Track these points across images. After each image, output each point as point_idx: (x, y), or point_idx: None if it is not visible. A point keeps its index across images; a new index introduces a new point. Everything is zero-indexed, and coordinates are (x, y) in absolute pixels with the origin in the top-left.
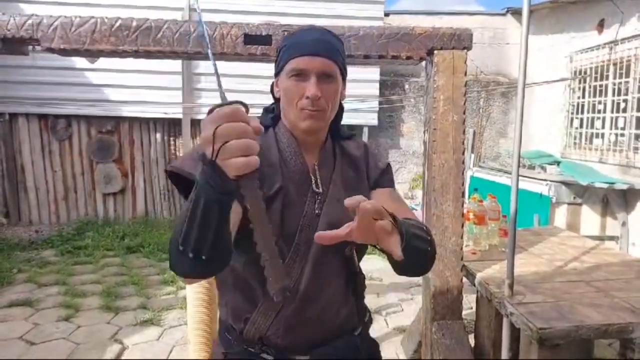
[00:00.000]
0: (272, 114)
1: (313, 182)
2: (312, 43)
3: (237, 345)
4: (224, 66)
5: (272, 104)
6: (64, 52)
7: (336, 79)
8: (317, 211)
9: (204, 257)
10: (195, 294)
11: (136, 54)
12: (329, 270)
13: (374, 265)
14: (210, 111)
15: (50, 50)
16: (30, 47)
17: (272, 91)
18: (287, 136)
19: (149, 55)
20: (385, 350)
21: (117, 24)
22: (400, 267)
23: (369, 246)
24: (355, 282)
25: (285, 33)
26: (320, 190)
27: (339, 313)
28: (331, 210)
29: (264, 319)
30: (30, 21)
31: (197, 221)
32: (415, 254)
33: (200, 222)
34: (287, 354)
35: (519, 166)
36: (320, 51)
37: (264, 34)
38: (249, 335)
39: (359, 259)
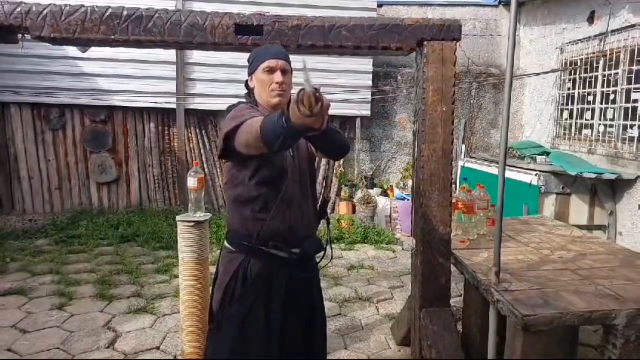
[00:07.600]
0: (250, 99)
1: None
2: (276, 52)
3: (254, 248)
4: (214, 56)
5: (247, 93)
6: (54, 41)
7: (290, 73)
8: (291, 153)
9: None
10: (188, 283)
11: (127, 43)
12: (308, 192)
13: (366, 254)
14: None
15: (40, 39)
16: (19, 36)
17: (247, 85)
18: (267, 111)
19: (139, 44)
20: (376, 337)
21: (108, 12)
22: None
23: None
24: (318, 205)
25: (277, 24)
26: None
27: (312, 220)
28: (300, 147)
29: (276, 221)
30: (19, 9)
31: (289, 142)
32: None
33: (290, 142)
34: (286, 248)
35: (506, 156)
36: (281, 57)
37: (255, 24)
38: (264, 236)
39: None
